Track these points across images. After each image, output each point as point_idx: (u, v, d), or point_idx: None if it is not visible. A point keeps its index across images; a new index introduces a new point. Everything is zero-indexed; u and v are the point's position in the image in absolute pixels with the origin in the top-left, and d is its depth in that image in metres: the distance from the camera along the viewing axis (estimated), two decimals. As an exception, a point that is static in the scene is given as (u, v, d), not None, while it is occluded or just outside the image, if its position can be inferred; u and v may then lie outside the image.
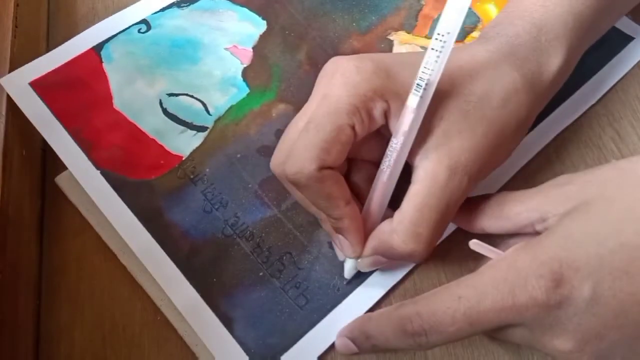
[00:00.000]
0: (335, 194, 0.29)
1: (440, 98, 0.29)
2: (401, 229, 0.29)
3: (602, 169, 0.29)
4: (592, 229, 0.26)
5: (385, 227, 0.30)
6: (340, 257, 0.33)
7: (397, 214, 0.29)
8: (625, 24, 0.42)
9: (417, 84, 0.27)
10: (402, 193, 0.29)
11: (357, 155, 0.31)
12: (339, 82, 0.28)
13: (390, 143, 0.29)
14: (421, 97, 0.27)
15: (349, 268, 0.32)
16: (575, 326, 0.25)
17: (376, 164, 0.31)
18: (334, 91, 0.28)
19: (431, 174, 0.28)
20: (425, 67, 0.27)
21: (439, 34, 0.27)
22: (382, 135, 0.30)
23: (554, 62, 0.32)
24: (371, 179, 0.31)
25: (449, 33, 0.27)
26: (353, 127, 0.28)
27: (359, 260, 0.31)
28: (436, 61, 0.27)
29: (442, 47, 0.27)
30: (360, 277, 0.33)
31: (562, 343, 0.26)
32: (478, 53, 0.31)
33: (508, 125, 0.30)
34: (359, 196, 0.32)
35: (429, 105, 0.28)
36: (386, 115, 0.29)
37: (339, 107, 0.28)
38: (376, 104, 0.28)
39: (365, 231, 0.31)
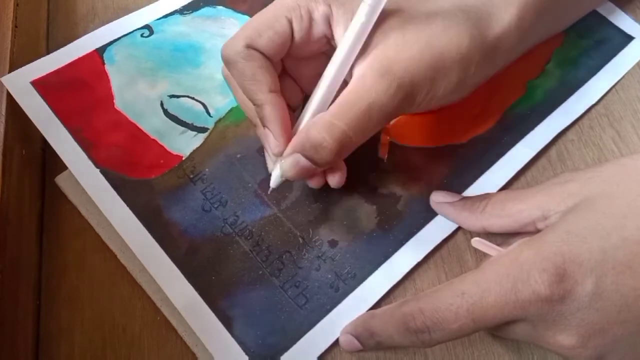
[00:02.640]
0: (259, 77, 0.30)
1: (385, 14, 0.29)
2: (319, 120, 0.29)
3: (604, 166, 0.29)
4: (594, 224, 0.26)
5: (307, 123, 0.30)
6: (270, 167, 0.33)
7: (321, 113, 0.29)
8: (626, 24, 0.42)
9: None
10: None
11: (299, 73, 0.33)
12: None
13: (335, 53, 0.29)
14: (369, 11, 0.28)
15: (275, 175, 0.31)
16: (579, 321, 0.25)
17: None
18: None
19: (360, 75, 0.29)
20: None
21: None
22: (327, 57, 0.31)
23: (504, 15, 0.32)
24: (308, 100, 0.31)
25: None
26: (290, 22, 0.30)
27: (282, 162, 0.30)
28: None
29: None
30: (359, 276, 0.33)
31: (565, 338, 0.26)
32: None
33: (447, 52, 0.29)
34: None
35: None
36: (329, 22, 0.30)
37: (283, 2, 0.30)
38: (318, 6, 0.30)
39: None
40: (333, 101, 0.29)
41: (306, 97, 0.33)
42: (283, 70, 0.32)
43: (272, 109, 0.30)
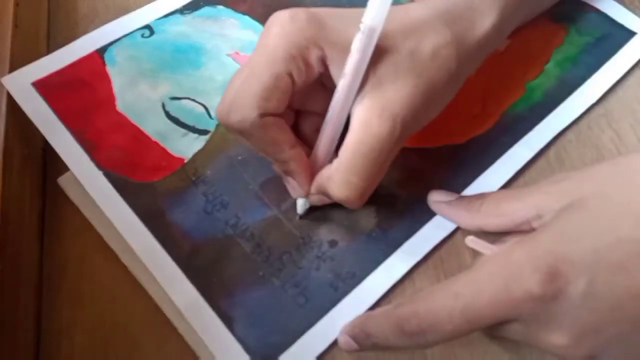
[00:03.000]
0: (279, 139, 0.30)
1: (376, 52, 0.29)
2: (335, 176, 0.30)
3: (599, 165, 0.29)
4: (588, 224, 0.26)
5: (325, 172, 0.31)
6: (293, 195, 0.34)
7: (335, 161, 0.30)
8: (627, 19, 0.42)
9: (362, 28, 0.28)
10: None
11: (304, 107, 0.33)
12: (275, 32, 0.29)
13: (336, 89, 0.30)
14: (366, 39, 0.28)
15: (301, 205, 0.34)
16: (571, 321, 0.25)
17: (323, 115, 0.32)
18: (270, 41, 0.29)
19: (363, 122, 0.29)
20: (370, 11, 0.28)
21: None
22: (326, 88, 0.31)
23: (485, 22, 0.33)
24: (319, 129, 0.32)
25: None
26: (291, 75, 0.29)
27: (309, 197, 0.33)
28: (378, 8, 0.28)
29: None
30: (359, 276, 0.33)
31: (558, 338, 0.26)
32: (412, 11, 0.32)
33: (439, 78, 0.31)
34: (309, 146, 0.33)
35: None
36: (324, 63, 0.30)
37: (276, 56, 0.29)
38: (311, 52, 0.29)
39: (314, 174, 0.32)
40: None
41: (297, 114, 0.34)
42: None
43: (296, 164, 0.31)
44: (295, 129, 0.33)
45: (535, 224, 0.29)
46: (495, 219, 0.31)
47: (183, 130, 0.37)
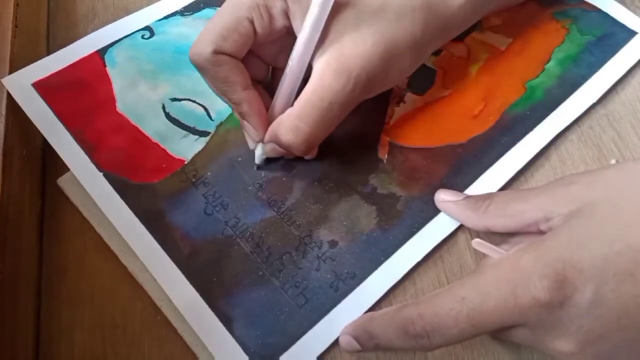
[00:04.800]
0: (232, 79, 0.32)
1: (338, 6, 0.30)
2: (285, 121, 0.31)
3: (608, 170, 0.29)
4: (597, 231, 0.26)
5: (278, 118, 0.32)
6: (250, 145, 0.36)
7: (288, 110, 0.32)
8: (628, 19, 0.42)
9: None
10: None
11: (277, 63, 0.34)
12: None
13: (296, 42, 0.31)
14: None
15: (258, 154, 0.35)
16: (577, 327, 0.25)
17: None
18: None
19: (319, 74, 0.30)
20: None
21: None
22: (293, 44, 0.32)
23: None
24: None
25: None
26: (252, 21, 0.31)
27: (263, 146, 0.34)
28: None
29: None
30: (359, 276, 0.33)
31: (564, 344, 0.26)
32: None
33: (401, 40, 0.31)
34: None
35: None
36: (287, 16, 0.31)
37: (241, 2, 0.31)
38: (275, 3, 0.31)
39: (272, 122, 0.33)
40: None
41: (273, 71, 0.36)
42: (248, 51, 0.33)
43: (248, 106, 0.32)
44: (272, 86, 0.34)
45: (543, 227, 0.29)
46: (502, 219, 0.31)
47: (183, 132, 0.37)
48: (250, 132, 0.34)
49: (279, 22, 0.31)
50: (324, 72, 0.30)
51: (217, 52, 0.30)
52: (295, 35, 0.32)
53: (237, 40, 0.31)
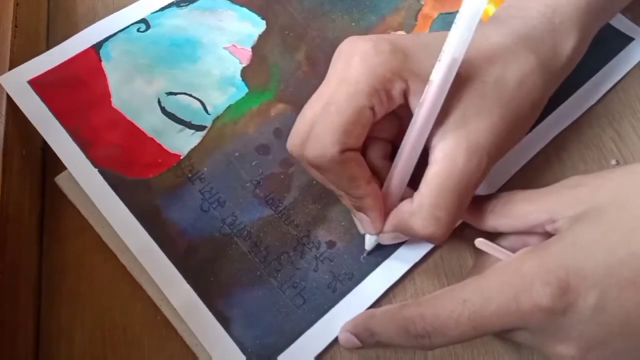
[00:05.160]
0: (357, 175, 0.29)
1: (458, 81, 0.28)
2: (420, 213, 0.29)
3: (615, 173, 0.29)
4: (601, 237, 0.26)
5: (405, 207, 0.30)
6: (361, 230, 0.33)
7: (417, 196, 0.29)
8: (625, 25, 0.42)
9: (442, 58, 0.27)
10: (420, 173, 0.29)
11: (373, 133, 0.31)
12: (357, 63, 0.28)
13: (413, 120, 0.29)
14: (446, 71, 0.27)
15: (370, 241, 0.33)
16: (579, 333, 0.25)
17: (391, 142, 0.31)
18: (352, 73, 0.28)
19: (450, 156, 0.28)
20: (451, 40, 0.27)
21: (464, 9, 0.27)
22: (398, 115, 0.30)
23: (568, 43, 0.32)
24: (387, 156, 0.31)
25: (476, 8, 0.26)
26: (372, 109, 0.28)
27: (380, 235, 0.32)
28: (462, 36, 0.27)
29: (469, 22, 0.27)
30: (357, 277, 0.33)
31: (565, 349, 0.26)
32: (492, 37, 0.31)
33: (523, 107, 0.30)
34: (375, 173, 0.32)
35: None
36: (405, 95, 0.29)
37: (358, 89, 0.28)
38: (395, 85, 0.28)
39: (385, 208, 0.31)
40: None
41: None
42: None
43: (371, 200, 0.30)
44: (363, 155, 0.31)
45: (548, 228, 0.29)
46: (508, 220, 0.31)
47: (179, 126, 0.37)
48: (367, 225, 0.31)
49: (397, 103, 0.29)
50: (454, 153, 0.28)
51: (343, 151, 0.28)
52: (399, 109, 0.30)
53: (360, 133, 0.28)
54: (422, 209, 0.29)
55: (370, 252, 0.34)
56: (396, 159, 0.30)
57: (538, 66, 0.30)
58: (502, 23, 0.32)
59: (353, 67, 0.28)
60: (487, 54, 0.30)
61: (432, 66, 0.28)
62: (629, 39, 0.41)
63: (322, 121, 0.28)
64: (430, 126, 0.28)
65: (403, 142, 0.30)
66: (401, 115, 0.30)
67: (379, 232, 0.31)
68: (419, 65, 0.29)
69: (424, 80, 0.28)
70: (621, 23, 0.42)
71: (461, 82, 0.29)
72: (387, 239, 0.33)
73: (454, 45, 0.27)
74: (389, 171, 0.31)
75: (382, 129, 0.31)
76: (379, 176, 0.31)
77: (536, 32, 0.31)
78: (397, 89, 0.28)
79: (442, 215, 0.29)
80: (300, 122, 0.30)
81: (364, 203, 0.30)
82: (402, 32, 0.41)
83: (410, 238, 0.32)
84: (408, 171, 0.30)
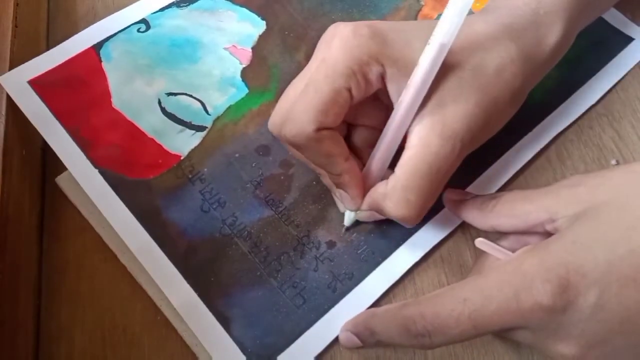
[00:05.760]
0: (334, 152, 0.30)
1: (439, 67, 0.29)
2: (393, 195, 0.30)
3: (614, 172, 0.29)
4: (601, 235, 0.26)
5: (380, 188, 0.31)
6: (341, 208, 0.34)
7: (391, 178, 0.30)
8: (625, 25, 0.42)
9: (432, 42, 0.27)
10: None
11: (356, 120, 0.32)
12: (337, 46, 0.29)
13: (398, 102, 0.29)
14: (434, 55, 0.27)
15: (349, 217, 0.34)
16: (580, 332, 0.25)
17: (375, 129, 0.31)
18: (331, 55, 0.29)
19: (424, 141, 0.29)
20: (443, 26, 0.27)
21: None
22: (381, 102, 0.31)
23: (552, 36, 0.32)
24: (370, 142, 0.32)
25: None
26: (350, 90, 0.29)
27: (357, 212, 0.33)
28: (452, 21, 0.27)
29: (461, 8, 0.27)
30: (357, 277, 0.33)
31: (566, 347, 0.26)
32: (476, 24, 0.31)
33: (502, 95, 0.30)
34: (360, 159, 0.33)
35: None
36: (383, 79, 0.29)
37: (336, 70, 0.29)
38: (372, 68, 0.29)
39: (366, 187, 0.31)
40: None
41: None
42: None
43: (349, 177, 0.31)
44: (346, 141, 0.32)
45: (548, 227, 0.29)
46: (508, 219, 0.31)
47: (179, 127, 0.37)
48: (347, 201, 0.32)
49: (374, 86, 0.30)
50: (429, 138, 0.29)
51: (319, 130, 0.29)
52: (382, 96, 0.30)
53: (337, 113, 0.29)
54: (394, 191, 0.29)
55: (349, 229, 0.34)
56: (379, 140, 0.31)
57: (519, 56, 0.31)
58: (488, 12, 0.32)
59: (332, 49, 0.29)
60: (469, 41, 0.30)
61: (410, 52, 0.28)
62: (629, 39, 0.41)
63: (300, 101, 0.29)
64: (416, 109, 0.29)
65: (387, 124, 0.30)
66: (387, 103, 0.31)
67: (357, 208, 0.32)
68: (397, 50, 0.29)
69: (401, 65, 0.29)
70: (621, 23, 0.42)
71: (443, 69, 0.29)
72: (363, 217, 0.34)
73: (444, 30, 0.27)
74: (372, 152, 0.31)
75: (367, 115, 0.32)
76: (363, 161, 0.32)
77: (520, 22, 0.32)
78: (374, 72, 0.29)
79: (414, 198, 0.29)
80: (281, 102, 0.30)
81: (342, 180, 0.31)
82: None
83: (387, 217, 0.32)
84: (390, 153, 0.31)
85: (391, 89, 0.30)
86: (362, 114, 0.32)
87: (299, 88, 0.29)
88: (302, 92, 0.29)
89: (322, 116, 0.29)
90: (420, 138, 0.29)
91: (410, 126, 0.30)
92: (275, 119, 0.30)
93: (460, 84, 0.29)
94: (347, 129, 0.33)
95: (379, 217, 0.33)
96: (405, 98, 0.29)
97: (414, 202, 0.29)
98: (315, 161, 0.31)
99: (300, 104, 0.29)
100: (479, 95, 0.29)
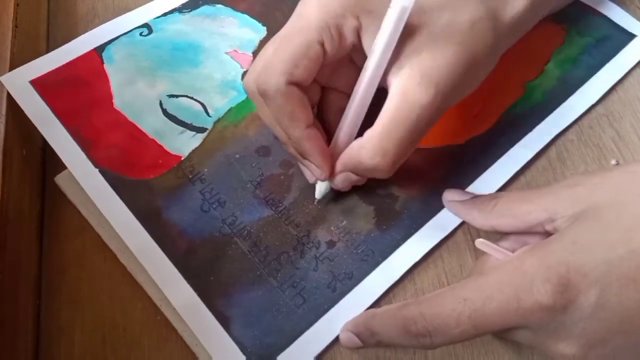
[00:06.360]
0: (297, 114, 0.30)
1: (409, 26, 0.29)
2: (369, 143, 0.29)
3: (613, 172, 0.29)
4: (601, 235, 0.26)
5: (355, 143, 0.30)
6: (310, 179, 0.34)
7: (369, 131, 0.30)
8: (627, 22, 0.42)
9: (392, 5, 0.28)
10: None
11: (330, 83, 0.32)
12: (313, 0, 0.29)
13: (365, 65, 0.29)
14: (397, 15, 0.28)
15: (320, 189, 0.34)
16: (580, 331, 0.25)
17: (349, 96, 0.31)
18: (306, 9, 0.29)
19: (401, 90, 0.29)
20: None
21: None
22: (355, 65, 0.31)
23: (517, 1, 0.32)
24: (343, 109, 0.32)
25: None
26: (322, 44, 0.29)
27: (332, 179, 0.33)
28: None
29: None
30: (357, 276, 0.33)
31: (566, 347, 0.26)
32: None
33: (477, 47, 0.30)
34: (332, 125, 0.33)
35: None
36: (359, 34, 0.30)
37: (309, 23, 0.29)
38: (347, 21, 0.29)
39: (336, 153, 0.31)
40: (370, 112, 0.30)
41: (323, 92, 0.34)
42: None
43: (310, 144, 0.31)
44: (319, 109, 0.33)
45: (548, 227, 0.29)
46: (508, 220, 0.31)
47: (180, 128, 0.37)
48: (314, 170, 0.32)
49: (349, 41, 0.30)
50: (407, 87, 0.28)
51: (290, 82, 0.29)
52: (356, 58, 0.30)
53: (308, 67, 0.29)
54: (371, 140, 0.29)
55: (320, 201, 0.34)
56: (348, 105, 0.31)
57: (487, 15, 0.31)
58: None
59: (308, 3, 0.29)
60: (439, 3, 0.30)
61: (386, 5, 0.28)
62: (631, 36, 0.42)
63: (273, 53, 0.29)
64: (382, 72, 0.29)
65: (355, 88, 0.30)
66: (358, 65, 0.31)
67: (325, 177, 0.32)
68: (373, 3, 0.29)
69: (377, 17, 0.29)
70: (624, 19, 0.42)
71: (414, 26, 0.29)
72: (338, 182, 0.33)
73: None
74: (342, 117, 0.31)
75: (342, 78, 0.32)
76: (335, 129, 0.32)
77: None
78: (348, 25, 0.29)
79: (390, 147, 0.29)
80: (258, 57, 0.31)
81: (303, 146, 0.31)
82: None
83: (360, 177, 0.32)
84: (359, 118, 0.31)
85: (366, 43, 0.30)
86: (336, 77, 0.32)
87: (275, 43, 0.30)
88: (277, 45, 0.29)
89: (293, 67, 0.29)
90: (399, 88, 0.29)
91: (388, 81, 0.30)
92: (251, 72, 0.31)
93: (434, 37, 0.29)
94: (320, 93, 0.33)
95: (355, 181, 0.33)
96: (370, 60, 0.29)
97: (390, 151, 0.29)
98: (278, 119, 0.31)
99: (274, 56, 0.29)
100: (456, 47, 0.29)
